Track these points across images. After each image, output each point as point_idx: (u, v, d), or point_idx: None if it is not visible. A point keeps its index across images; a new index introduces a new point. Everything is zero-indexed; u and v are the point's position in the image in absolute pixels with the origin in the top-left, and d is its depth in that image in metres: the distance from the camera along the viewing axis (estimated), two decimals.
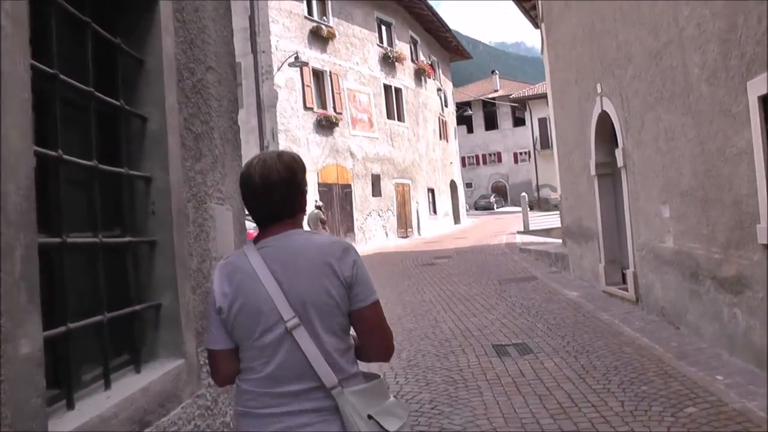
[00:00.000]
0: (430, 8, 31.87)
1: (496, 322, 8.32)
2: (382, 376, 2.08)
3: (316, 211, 17.79)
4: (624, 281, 9.26)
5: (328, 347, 1.92)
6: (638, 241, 8.31)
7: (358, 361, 2.04)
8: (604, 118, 9.30)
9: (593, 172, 9.87)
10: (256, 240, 2.04)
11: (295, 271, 1.92)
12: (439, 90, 36.01)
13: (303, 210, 2.11)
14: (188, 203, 2.97)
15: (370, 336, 2.03)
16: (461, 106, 49.68)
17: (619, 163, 8.68)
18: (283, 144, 21.88)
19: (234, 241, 3.57)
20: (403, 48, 30.66)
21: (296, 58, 21.35)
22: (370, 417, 1.90)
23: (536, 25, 16.97)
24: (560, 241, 17.13)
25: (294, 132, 22.60)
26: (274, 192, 1.99)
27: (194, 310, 2.91)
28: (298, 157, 2.13)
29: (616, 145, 8.88)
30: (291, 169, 2.04)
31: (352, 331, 2.03)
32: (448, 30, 35.34)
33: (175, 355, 2.71)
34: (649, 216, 7.80)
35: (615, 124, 8.82)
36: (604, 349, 6.58)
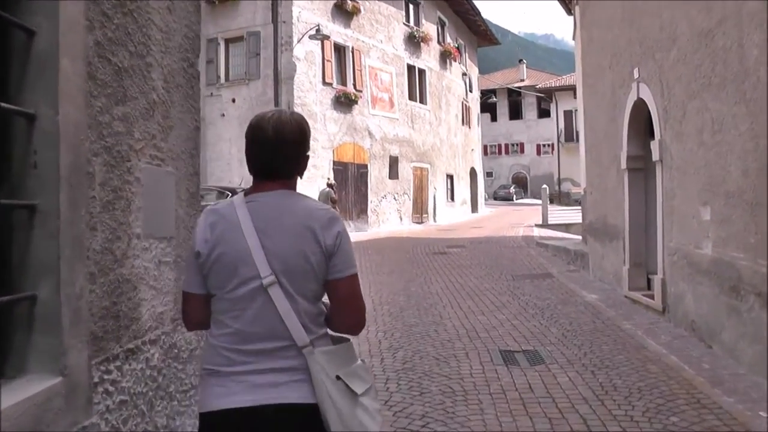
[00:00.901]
0: None
1: (506, 323, 7.53)
2: (351, 340, 2.04)
3: (327, 189, 17.09)
4: (649, 287, 8.42)
5: (300, 308, 1.91)
6: (670, 244, 7.47)
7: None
8: (640, 107, 8.44)
9: (624, 165, 9.01)
10: (248, 193, 2.01)
11: (277, 230, 1.91)
12: (464, 74, 35.03)
13: (301, 174, 2.08)
14: (95, 158, 2.22)
15: (343, 308, 2.01)
16: (486, 94, 48.63)
17: (655, 156, 7.82)
18: None
19: (176, 215, 2.81)
20: (429, 28, 29.70)
21: (318, 30, 20.57)
22: (338, 378, 1.90)
23: (569, 11, 16.01)
24: (580, 237, 16.31)
25: (311, 107, 21.83)
26: (283, 148, 1.98)
27: (92, 307, 2.15)
28: (304, 119, 2.11)
29: (652, 137, 8.03)
30: (303, 130, 2.05)
31: (326, 299, 2.00)
32: (478, 13, 34.25)
33: (49, 370, 1.95)
34: (685, 217, 6.96)
35: (652, 114, 7.95)
36: (626, 365, 5.78)
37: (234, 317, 1.90)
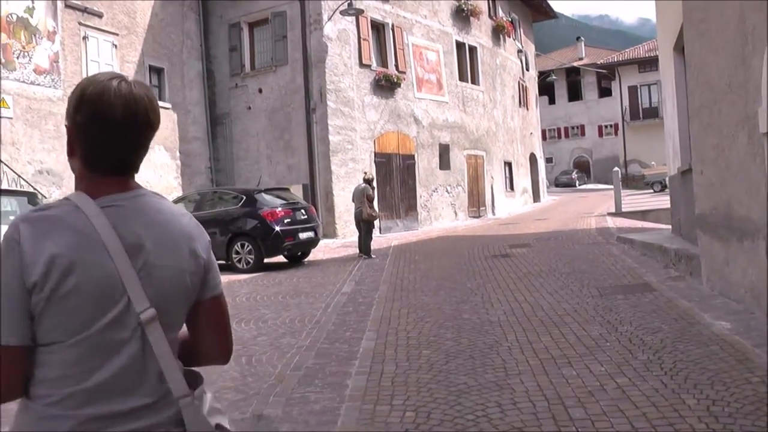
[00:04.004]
0: None
1: (608, 385, 4.81)
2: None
3: (364, 185, 14.55)
4: None
5: (174, 347, 1.55)
6: None
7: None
8: None
9: (764, 128, 6.12)
10: (90, 193, 1.49)
11: (154, 245, 1.49)
12: (519, 52, 32.07)
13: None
14: None
15: (215, 332, 1.66)
16: (543, 74, 45.54)
17: None
18: (333, 106, 18.72)
19: None
20: (479, 2, 26.89)
21: (350, 5, 18.09)
22: (218, 427, 1.58)
23: None
24: (668, 227, 13.42)
25: (346, 92, 19.37)
26: (135, 134, 1.52)
27: None
28: None
29: None
30: (156, 110, 1.56)
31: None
32: None
33: None
34: None
35: None
36: None
37: (89, 371, 1.42)
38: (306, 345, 6.77)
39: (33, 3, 15.60)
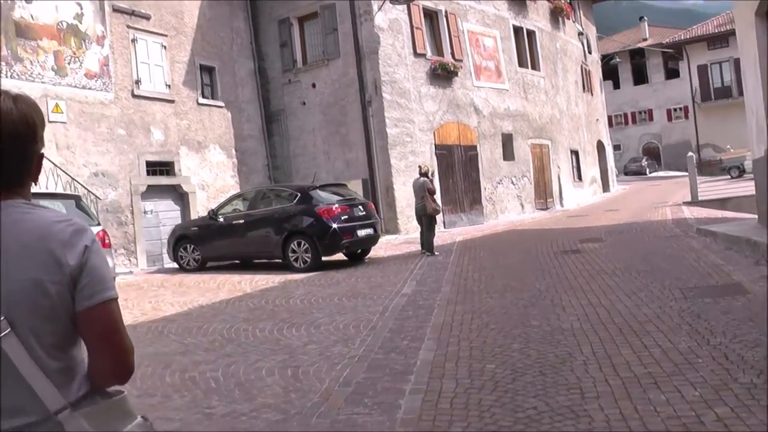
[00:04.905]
0: None
1: (708, 416, 3.97)
2: (125, 392, 1.63)
3: (423, 179, 13.92)
4: None
5: (46, 362, 1.48)
6: None
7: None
8: None
9: None
10: None
11: (2, 258, 1.46)
12: (580, 34, 30.81)
13: (36, 178, 1.64)
14: None
15: (98, 348, 1.56)
16: (606, 58, 43.92)
17: None
18: (389, 98, 18.08)
19: None
20: None
21: None
22: None
23: None
24: (753, 217, 12.33)
25: (402, 83, 18.71)
26: (4, 147, 1.52)
27: None
28: (38, 106, 1.62)
29: None
30: (30, 122, 1.56)
31: None
32: None
33: None
34: None
35: None
36: None
37: None
38: (358, 355, 6.17)
39: (82, 9, 15.54)
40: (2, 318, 1.42)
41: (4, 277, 1.44)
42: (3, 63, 13.86)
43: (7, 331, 1.42)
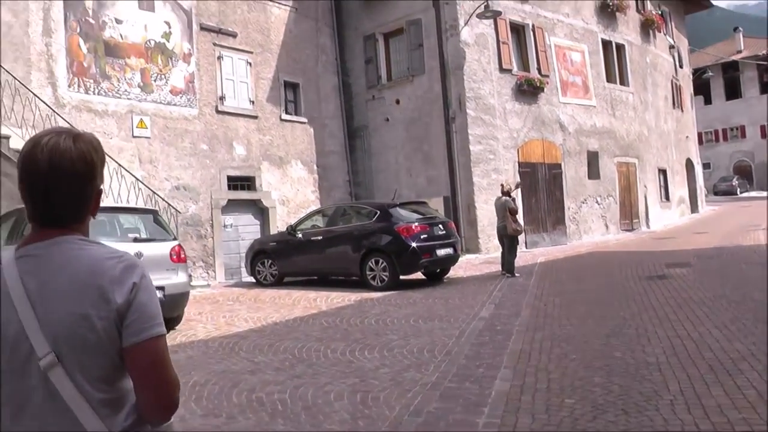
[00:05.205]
0: None
1: None
2: (172, 421, 1.66)
3: (504, 198, 13.48)
4: None
5: (93, 395, 1.53)
6: None
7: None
8: None
9: None
10: (23, 243, 1.62)
11: (54, 292, 1.52)
12: (671, 48, 29.70)
13: (94, 214, 1.68)
14: None
15: (143, 383, 1.58)
16: (697, 71, 42.38)
17: None
18: (473, 114, 17.73)
19: None
20: None
21: (486, 7, 17.05)
22: None
23: None
24: None
25: (486, 99, 18.33)
26: (62, 185, 1.57)
27: None
28: (99, 144, 1.68)
29: None
30: (89, 159, 1.61)
31: None
32: None
33: None
34: None
35: None
36: None
37: (11, 415, 1.51)
38: (431, 382, 5.82)
39: (170, 28, 15.80)
40: (51, 351, 1.49)
41: (55, 311, 1.51)
42: (91, 80, 14.17)
43: (56, 365, 1.50)
